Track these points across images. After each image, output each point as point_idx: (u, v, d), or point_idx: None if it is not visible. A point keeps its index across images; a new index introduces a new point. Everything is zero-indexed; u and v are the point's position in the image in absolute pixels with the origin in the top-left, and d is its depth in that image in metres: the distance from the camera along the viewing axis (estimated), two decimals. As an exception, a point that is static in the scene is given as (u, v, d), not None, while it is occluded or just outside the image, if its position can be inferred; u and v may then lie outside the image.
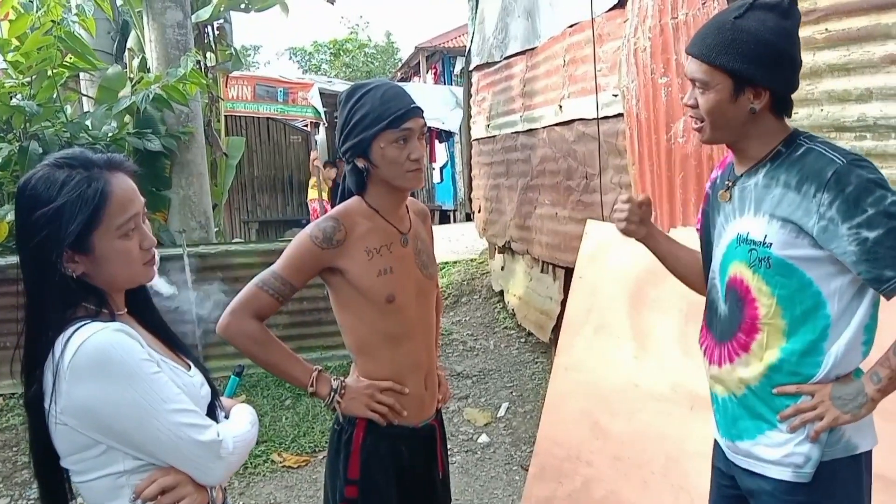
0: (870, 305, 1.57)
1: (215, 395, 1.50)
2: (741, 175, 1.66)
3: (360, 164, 1.87)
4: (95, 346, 1.25)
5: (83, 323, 1.29)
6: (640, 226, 1.89)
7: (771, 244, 1.56)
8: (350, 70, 30.40)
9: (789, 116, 1.63)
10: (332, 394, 1.90)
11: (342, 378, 1.94)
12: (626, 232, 1.89)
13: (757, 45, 1.53)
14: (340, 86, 13.44)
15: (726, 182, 1.71)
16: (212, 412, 1.45)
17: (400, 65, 23.97)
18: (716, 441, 1.86)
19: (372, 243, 1.87)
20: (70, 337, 1.26)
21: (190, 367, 1.48)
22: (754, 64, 1.53)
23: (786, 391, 1.61)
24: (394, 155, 1.83)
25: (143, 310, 1.48)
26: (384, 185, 1.89)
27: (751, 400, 1.66)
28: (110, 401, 1.26)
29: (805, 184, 1.51)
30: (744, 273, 1.62)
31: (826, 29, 2.82)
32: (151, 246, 1.40)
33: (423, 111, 1.89)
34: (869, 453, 1.65)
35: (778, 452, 1.63)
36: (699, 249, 1.86)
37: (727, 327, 1.69)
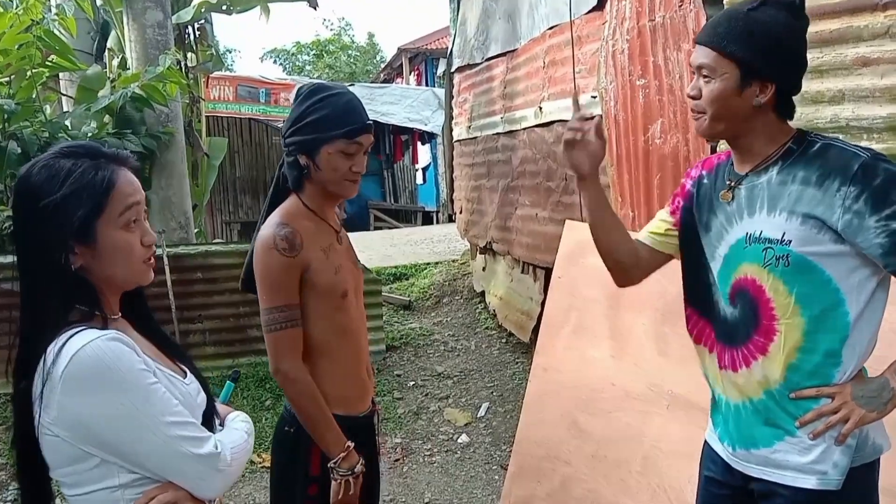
0: (886, 303, 1.54)
1: (211, 402, 1.45)
2: (746, 174, 1.62)
3: (303, 161, 1.87)
4: (90, 356, 1.19)
5: (77, 330, 1.23)
6: (588, 156, 1.75)
7: (790, 241, 1.51)
8: (333, 71, 30.29)
9: (790, 119, 1.62)
10: (350, 472, 1.89)
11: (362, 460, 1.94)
12: (569, 152, 1.76)
13: (769, 39, 1.51)
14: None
15: (727, 181, 1.66)
16: (207, 421, 1.40)
17: (383, 66, 23.95)
18: (708, 448, 1.80)
19: (321, 242, 1.91)
20: (63, 345, 1.20)
21: (186, 373, 1.42)
22: (765, 56, 1.51)
23: (805, 395, 1.56)
24: (338, 164, 1.87)
25: (138, 314, 1.43)
26: (320, 187, 1.92)
27: (769, 405, 1.60)
28: (105, 414, 1.21)
29: (827, 178, 1.48)
30: (756, 273, 1.57)
31: (799, 32, 2.86)
32: (152, 243, 1.36)
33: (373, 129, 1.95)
34: (878, 458, 1.62)
35: (800, 459, 1.57)
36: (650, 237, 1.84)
37: (740, 330, 1.64)
